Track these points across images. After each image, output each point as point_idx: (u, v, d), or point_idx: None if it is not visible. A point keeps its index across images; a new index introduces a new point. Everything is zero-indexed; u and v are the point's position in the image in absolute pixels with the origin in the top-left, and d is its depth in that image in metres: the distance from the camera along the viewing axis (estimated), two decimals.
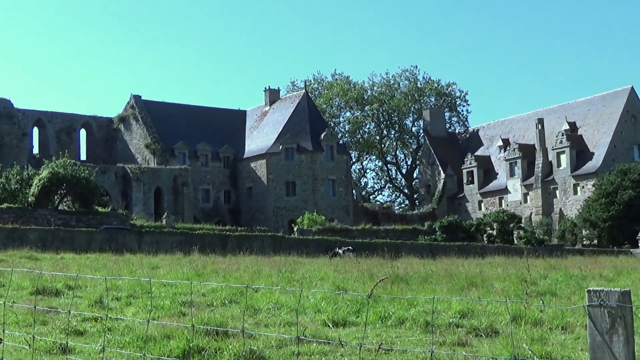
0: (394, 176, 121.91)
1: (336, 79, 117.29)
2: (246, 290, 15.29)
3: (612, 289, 3.53)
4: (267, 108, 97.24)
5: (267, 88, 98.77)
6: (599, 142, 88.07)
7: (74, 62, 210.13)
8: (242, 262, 29.22)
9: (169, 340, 10.75)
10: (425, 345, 10.84)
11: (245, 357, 9.52)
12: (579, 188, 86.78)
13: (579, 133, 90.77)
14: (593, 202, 75.78)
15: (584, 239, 76.54)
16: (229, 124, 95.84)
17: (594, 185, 79.60)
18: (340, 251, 43.66)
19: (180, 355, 9.89)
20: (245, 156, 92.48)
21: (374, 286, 6.46)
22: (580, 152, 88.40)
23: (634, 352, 3.51)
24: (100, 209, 57.48)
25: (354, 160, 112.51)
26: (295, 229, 68.31)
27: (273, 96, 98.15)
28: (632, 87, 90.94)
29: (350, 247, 45.83)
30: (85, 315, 13.23)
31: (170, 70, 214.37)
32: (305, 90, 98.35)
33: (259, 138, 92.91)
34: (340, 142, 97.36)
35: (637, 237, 68.07)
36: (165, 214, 68.26)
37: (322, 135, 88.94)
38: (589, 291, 3.61)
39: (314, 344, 10.59)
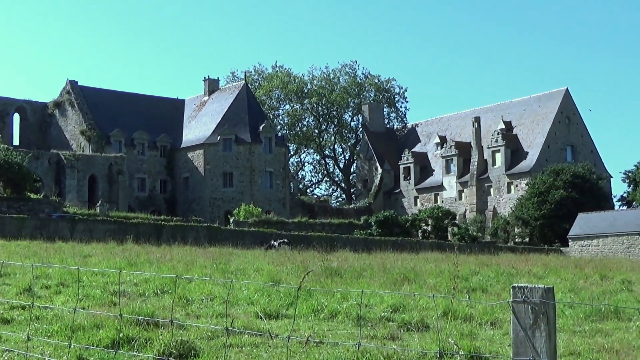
0: (331, 170, 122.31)
1: (276, 71, 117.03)
2: (175, 280, 15.22)
3: (536, 286, 3.59)
4: (206, 98, 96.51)
5: (207, 78, 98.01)
6: (533, 142, 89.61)
7: (9, 44, 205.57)
8: (177, 253, 28.97)
9: (98, 329, 10.60)
10: (356, 339, 10.89)
11: (176, 347, 9.44)
12: (512, 186, 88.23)
13: (514, 132, 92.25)
14: (526, 200, 77.19)
15: (516, 236, 77.93)
16: (167, 113, 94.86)
17: (527, 184, 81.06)
18: (275, 243, 43.60)
19: (109, 345, 9.75)
20: (182, 146, 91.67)
21: (303, 278, 6.46)
22: (515, 151, 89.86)
23: (555, 347, 3.58)
24: (32, 196, 56.41)
25: (292, 153, 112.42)
26: (231, 220, 68.02)
27: (212, 86, 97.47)
28: (567, 89, 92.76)
29: (285, 240, 45.81)
30: (13, 303, 12.97)
31: (108, 56, 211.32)
32: (245, 81, 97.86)
33: (197, 128, 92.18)
34: (279, 134, 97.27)
35: (568, 236, 69.54)
36: (100, 202, 67.32)
37: (261, 127, 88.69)
38: (513, 287, 3.67)
39: (246, 336, 10.56)
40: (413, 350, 9.78)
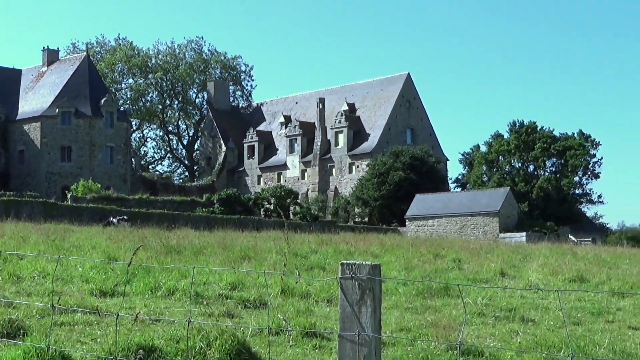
0: (174, 147, 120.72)
1: (120, 44, 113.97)
2: (0, 254, 14.61)
3: (364, 262, 3.66)
4: (44, 69, 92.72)
5: (46, 48, 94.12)
6: (375, 124, 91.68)
7: None
8: (9, 229, 27.82)
9: None
10: (194, 316, 10.83)
11: (3, 326, 9.06)
12: (354, 167, 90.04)
13: (357, 114, 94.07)
14: (366, 181, 79.00)
15: (356, 216, 79.69)
16: (2, 83, 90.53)
17: (368, 165, 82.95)
18: (114, 220, 42.70)
19: None
20: (18, 118, 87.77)
21: (134, 254, 6.33)
22: (357, 133, 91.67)
23: (380, 322, 3.68)
24: None
25: (134, 128, 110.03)
26: (68, 196, 65.91)
27: (52, 57, 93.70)
28: (409, 73, 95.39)
29: (125, 217, 44.92)
30: None
31: None
32: (87, 53, 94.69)
33: (34, 100, 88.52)
34: (121, 109, 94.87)
35: (405, 216, 71.81)
36: None
37: (102, 101, 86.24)
38: (342, 264, 3.73)
39: (78, 314, 10.29)
40: (249, 327, 9.82)
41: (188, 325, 6.64)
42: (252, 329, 9.66)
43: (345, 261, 3.72)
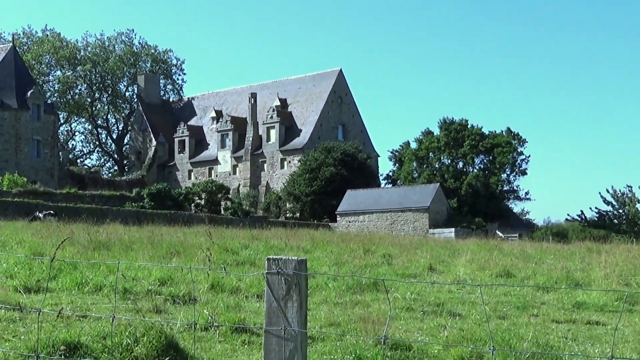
0: (104, 141, 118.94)
1: (47, 35, 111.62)
2: None
3: (290, 257, 3.67)
4: None
5: None
6: (307, 120, 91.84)
7: None
8: None
9: None
10: (122, 312, 10.70)
11: None
12: (285, 163, 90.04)
13: (289, 110, 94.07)
14: (298, 177, 79.08)
15: (288, 211, 79.70)
16: None
17: (299, 161, 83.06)
18: (40, 215, 41.84)
19: None
20: None
21: (57, 248, 6.22)
22: (289, 128, 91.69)
23: (306, 316, 3.69)
24: None
25: (62, 121, 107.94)
26: None
27: None
28: (341, 70, 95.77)
29: (52, 212, 44.08)
30: None
31: None
32: (13, 43, 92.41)
33: None
34: (49, 101, 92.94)
35: (336, 212, 72.13)
36: None
37: (29, 93, 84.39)
38: (268, 259, 3.73)
39: (2, 311, 10.07)
40: (177, 323, 9.74)
41: (112, 321, 6.55)
42: (180, 325, 9.59)
43: (271, 256, 3.72)
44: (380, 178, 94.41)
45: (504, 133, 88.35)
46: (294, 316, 3.61)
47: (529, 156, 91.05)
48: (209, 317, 9.97)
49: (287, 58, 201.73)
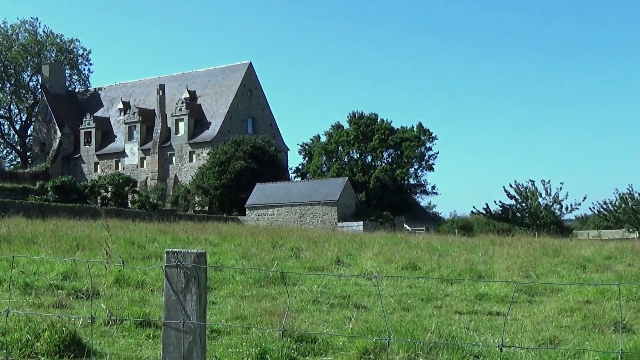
0: (6, 132, 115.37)
1: None
2: None
3: (189, 250, 3.65)
4: None
5: None
6: (216, 113, 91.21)
7: None
8: None
9: None
10: (22, 307, 10.44)
11: None
12: (194, 155, 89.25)
13: (198, 102, 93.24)
14: (207, 170, 78.53)
15: (197, 205, 79.09)
16: None
17: (208, 154, 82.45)
18: None
19: None
20: None
21: None
22: (198, 121, 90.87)
23: (205, 309, 3.67)
24: None
25: None
26: None
27: None
28: (251, 63, 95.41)
29: None
30: None
31: None
32: None
33: None
34: None
35: (245, 205, 71.93)
36: None
37: None
38: (167, 252, 3.70)
39: None
40: (80, 317, 9.57)
41: (7, 316, 6.39)
42: (83, 320, 9.41)
43: (170, 249, 3.69)
44: (290, 171, 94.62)
45: (414, 128, 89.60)
46: (193, 309, 3.60)
47: (437, 152, 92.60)
48: (108, 312, 9.83)
49: (197, 50, 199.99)
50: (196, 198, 79.21)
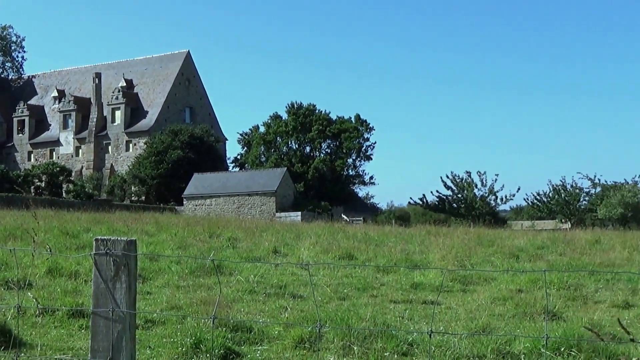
0: None
1: None
2: None
3: (119, 238, 3.60)
4: None
5: None
6: (153, 102, 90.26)
7: None
8: None
9: None
10: None
11: None
12: (131, 145, 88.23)
13: (135, 91, 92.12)
14: (144, 159, 77.70)
15: (133, 195, 78.21)
16: None
17: (145, 144, 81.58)
18: None
19: None
20: None
21: None
22: (135, 110, 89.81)
23: (135, 297, 3.64)
24: None
25: None
26: None
27: None
28: (189, 52, 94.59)
29: None
30: None
31: None
32: None
33: None
34: None
35: (183, 195, 71.39)
36: None
37: None
38: (96, 240, 3.65)
39: None
40: (10, 308, 9.39)
41: None
42: (13, 310, 9.24)
43: (99, 237, 3.64)
44: (228, 162, 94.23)
45: (352, 119, 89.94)
46: (123, 297, 3.55)
47: (375, 143, 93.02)
48: (35, 302, 9.66)
49: (134, 38, 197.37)
50: (133, 188, 78.32)
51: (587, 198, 71.51)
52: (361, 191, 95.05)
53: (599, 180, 69.64)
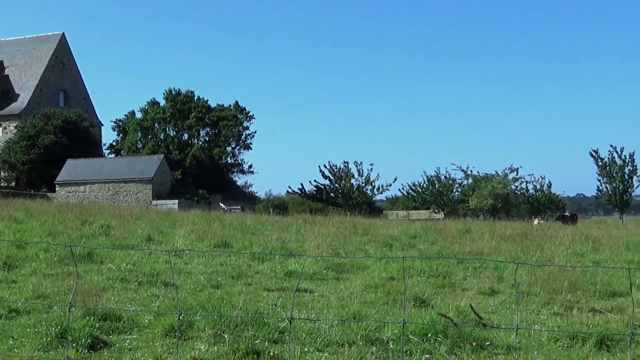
0: None
1: None
2: None
3: None
4: None
5: None
6: (25, 85, 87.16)
7: None
8: None
9: None
10: None
11: None
12: (1, 129, 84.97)
13: (6, 73, 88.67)
14: (14, 144, 74.99)
15: (2, 180, 75.45)
16: None
17: (16, 127, 78.74)
18: None
19: None
20: None
21: None
22: (5, 93, 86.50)
23: None
24: None
25: None
26: None
27: None
28: (64, 34, 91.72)
29: None
30: None
31: None
32: None
33: None
34: None
35: (55, 182, 69.35)
36: None
37: None
38: None
39: None
40: None
41: None
42: None
43: None
44: (104, 148, 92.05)
45: (231, 107, 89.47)
46: None
47: (255, 132, 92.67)
48: None
49: (5, 18, 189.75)
50: (2, 173, 75.50)
51: (459, 189, 73.70)
52: (240, 180, 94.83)
53: (472, 171, 71.86)
